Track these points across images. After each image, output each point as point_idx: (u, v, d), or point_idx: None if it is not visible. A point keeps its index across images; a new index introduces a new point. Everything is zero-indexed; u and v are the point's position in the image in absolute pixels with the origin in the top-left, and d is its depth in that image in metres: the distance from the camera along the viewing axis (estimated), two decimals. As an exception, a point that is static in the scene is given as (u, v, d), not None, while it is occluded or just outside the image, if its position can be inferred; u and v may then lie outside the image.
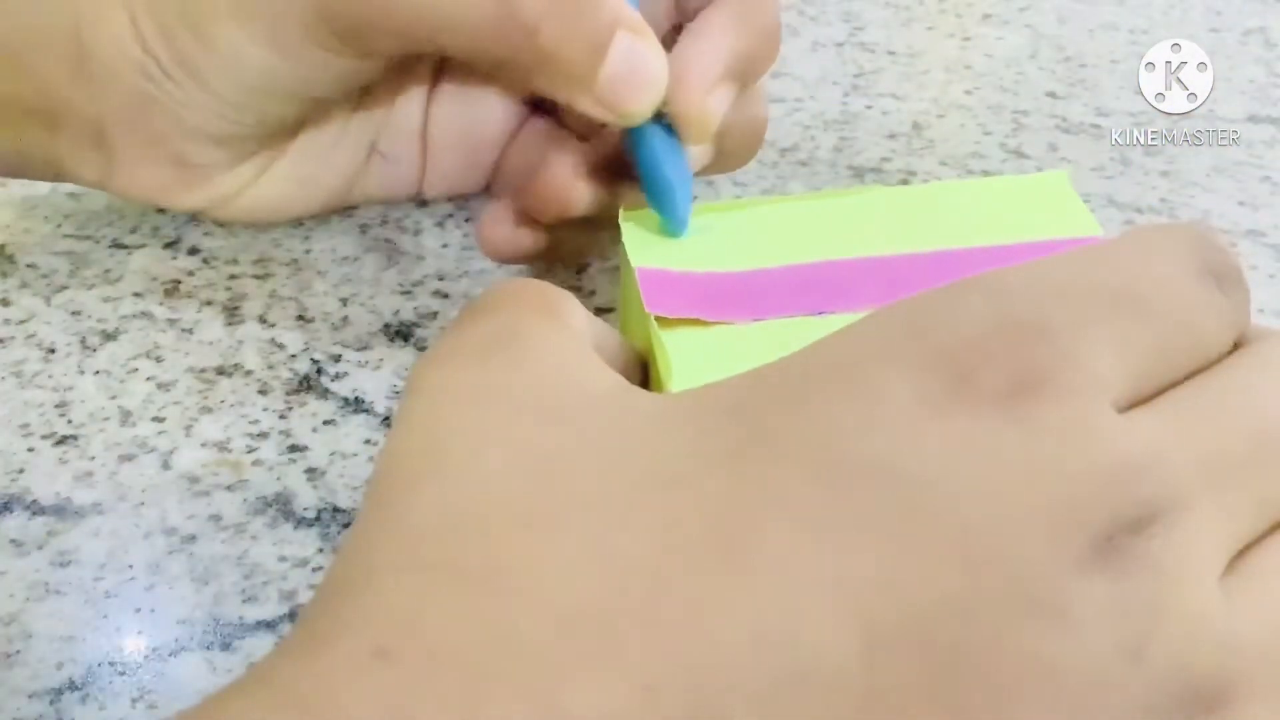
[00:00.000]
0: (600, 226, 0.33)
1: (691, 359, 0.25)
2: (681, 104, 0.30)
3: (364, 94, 0.35)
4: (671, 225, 0.29)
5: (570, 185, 0.32)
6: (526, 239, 0.34)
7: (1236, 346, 0.20)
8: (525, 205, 0.33)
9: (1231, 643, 0.17)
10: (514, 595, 0.17)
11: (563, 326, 0.22)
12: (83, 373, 0.32)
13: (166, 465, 0.29)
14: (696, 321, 0.26)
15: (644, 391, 0.21)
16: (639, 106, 0.30)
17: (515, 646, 0.16)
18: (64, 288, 0.35)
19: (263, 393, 0.32)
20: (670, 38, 0.32)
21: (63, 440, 0.30)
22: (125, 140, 0.33)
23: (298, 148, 0.35)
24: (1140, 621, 0.16)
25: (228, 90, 0.32)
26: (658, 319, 0.26)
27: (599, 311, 0.26)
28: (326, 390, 0.32)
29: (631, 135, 0.31)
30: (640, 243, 0.29)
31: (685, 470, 0.18)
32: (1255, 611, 0.17)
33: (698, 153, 0.31)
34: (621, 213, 0.30)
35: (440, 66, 0.36)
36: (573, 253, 0.36)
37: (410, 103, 0.36)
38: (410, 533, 0.18)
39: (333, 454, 0.30)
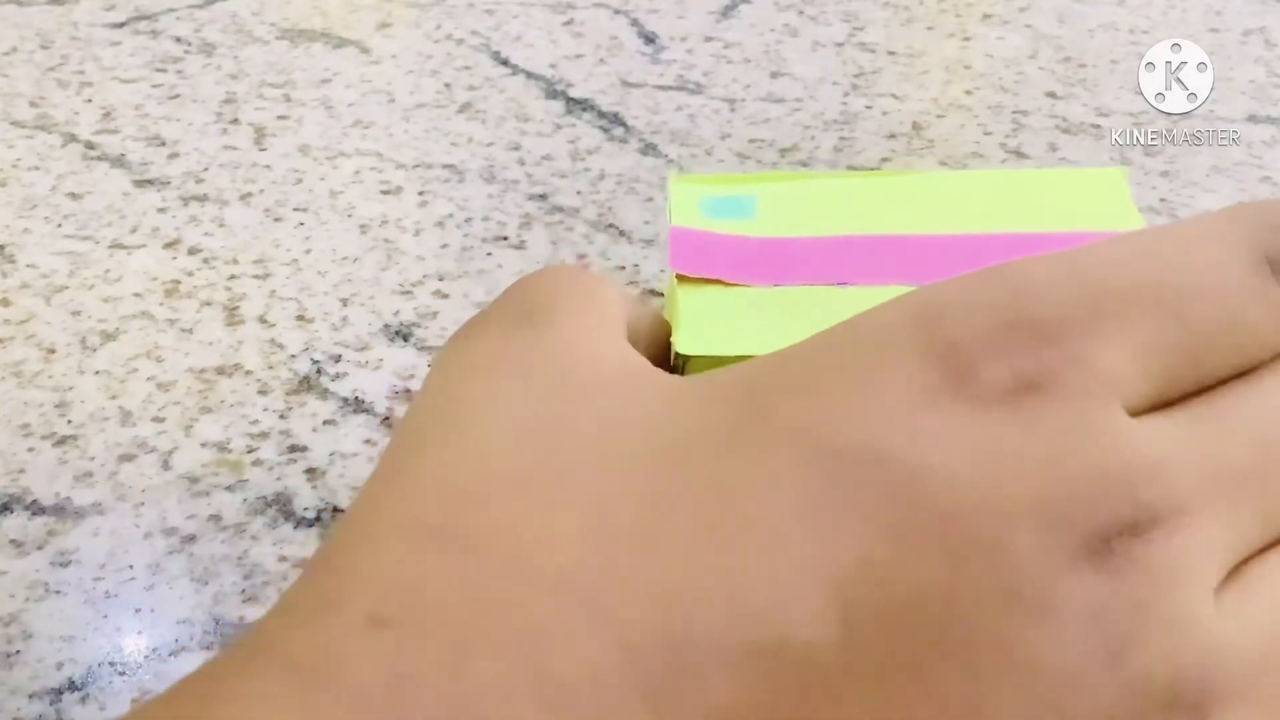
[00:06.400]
0: None
1: (700, 316, 0.26)
2: None
3: None
4: None
5: None
6: None
7: None
8: None
9: (1217, 650, 0.17)
10: (506, 561, 0.18)
11: (592, 306, 0.22)
12: (83, 373, 0.32)
13: (166, 465, 0.29)
14: (718, 282, 0.27)
15: (662, 372, 0.21)
16: None
17: (504, 610, 0.17)
18: (64, 288, 0.35)
19: (263, 393, 0.32)
20: None
21: (63, 440, 0.30)
22: None
23: None
24: (1124, 624, 0.16)
25: None
26: (680, 277, 0.27)
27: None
28: (326, 390, 0.32)
29: None
30: (684, 202, 0.29)
31: (683, 447, 0.19)
32: (1246, 621, 0.17)
33: None
34: (671, 175, 0.30)
35: None
36: None
37: None
38: (411, 497, 0.19)
39: (333, 454, 0.30)
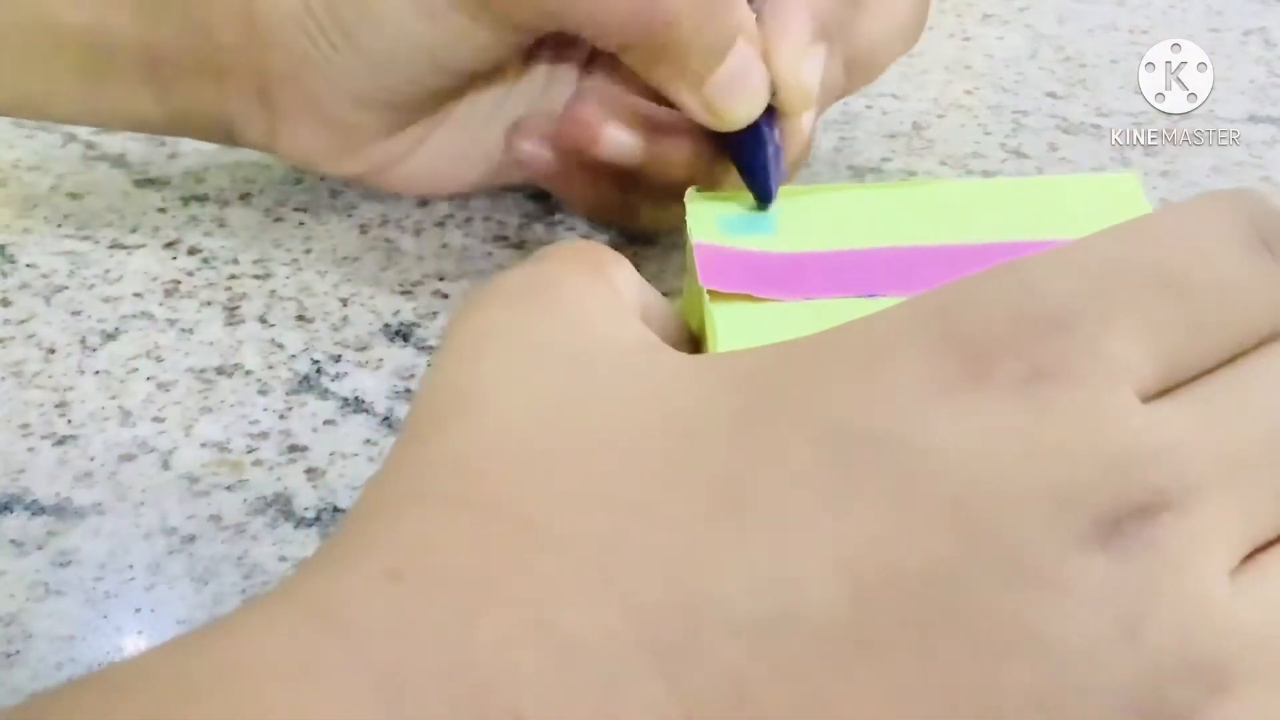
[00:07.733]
0: (646, 196, 0.34)
1: (738, 332, 0.26)
2: (776, 81, 0.31)
3: (519, 76, 0.36)
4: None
5: (596, 120, 0.33)
6: (545, 153, 0.35)
7: None
8: (554, 129, 0.34)
9: (1233, 629, 0.17)
10: (519, 526, 0.18)
11: (602, 282, 0.23)
12: (83, 373, 0.32)
13: (166, 465, 0.29)
14: (748, 297, 0.27)
15: (671, 349, 0.22)
16: (741, 113, 0.31)
17: (516, 570, 0.18)
18: (64, 288, 0.35)
19: (263, 393, 0.32)
20: None
21: (63, 440, 0.30)
22: (287, 100, 0.34)
23: (453, 123, 0.36)
24: (1137, 602, 0.16)
25: (379, 55, 0.32)
26: (710, 293, 0.27)
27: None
28: (326, 390, 0.32)
29: None
30: (702, 219, 0.29)
31: (695, 424, 0.19)
32: (1261, 602, 0.17)
33: (798, 122, 0.32)
34: (689, 191, 0.30)
35: (591, 58, 0.37)
36: (599, 206, 0.36)
37: (559, 89, 0.37)
38: (430, 467, 0.20)
39: (333, 454, 0.30)
